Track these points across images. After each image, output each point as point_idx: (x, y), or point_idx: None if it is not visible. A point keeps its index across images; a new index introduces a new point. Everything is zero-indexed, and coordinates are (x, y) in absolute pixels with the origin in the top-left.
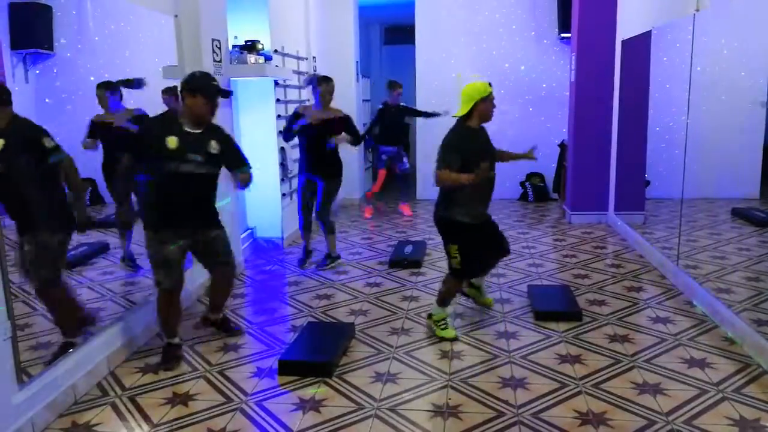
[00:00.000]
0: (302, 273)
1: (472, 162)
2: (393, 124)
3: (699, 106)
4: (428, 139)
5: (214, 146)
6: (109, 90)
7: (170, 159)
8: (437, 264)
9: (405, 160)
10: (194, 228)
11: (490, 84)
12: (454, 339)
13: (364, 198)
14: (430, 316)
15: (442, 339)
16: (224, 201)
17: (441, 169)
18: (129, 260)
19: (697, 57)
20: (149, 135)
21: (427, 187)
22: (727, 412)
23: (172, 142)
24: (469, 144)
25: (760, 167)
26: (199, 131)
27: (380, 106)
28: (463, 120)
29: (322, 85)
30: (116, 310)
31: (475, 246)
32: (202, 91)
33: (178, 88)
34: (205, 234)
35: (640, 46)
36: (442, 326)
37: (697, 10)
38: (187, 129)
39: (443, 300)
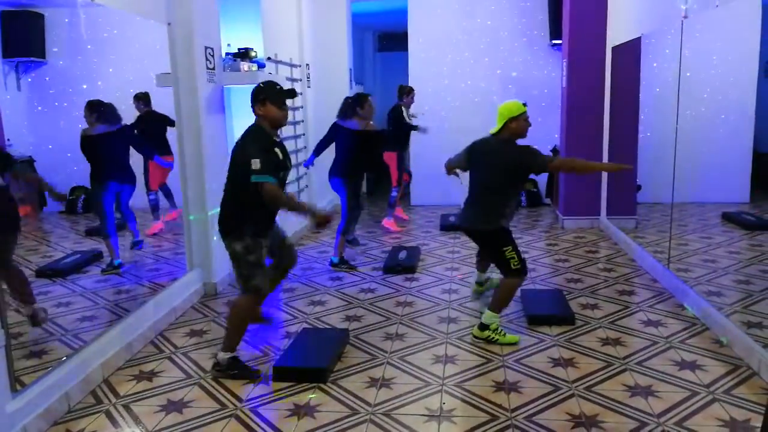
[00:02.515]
0: (296, 279)
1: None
2: (408, 128)
3: (689, 111)
4: (422, 146)
5: (287, 150)
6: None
7: (281, 168)
8: (431, 269)
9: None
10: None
11: (524, 104)
12: (518, 342)
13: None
14: (483, 328)
15: (510, 344)
16: (213, 210)
17: (552, 161)
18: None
19: (686, 62)
20: (270, 150)
21: (421, 193)
22: (718, 413)
23: (278, 153)
24: None
25: (750, 172)
26: (278, 139)
27: (393, 111)
28: (497, 135)
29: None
30: (110, 317)
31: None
32: (270, 98)
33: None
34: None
35: (629, 53)
36: (503, 333)
37: (685, 17)
38: (275, 138)
39: (501, 306)
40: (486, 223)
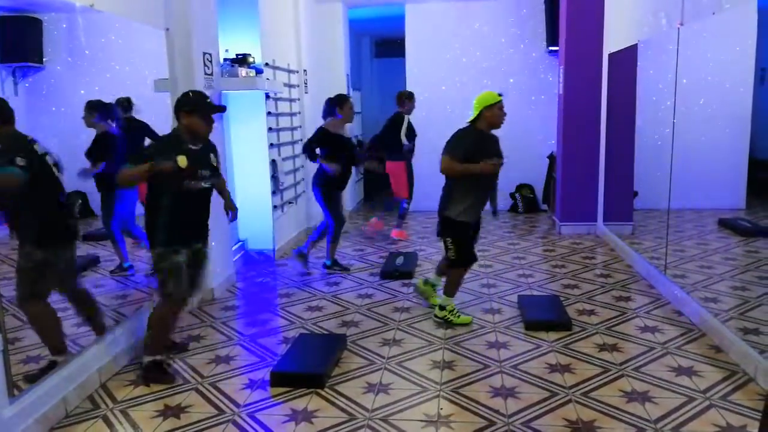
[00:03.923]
0: (293, 284)
1: (475, 161)
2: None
3: (685, 118)
4: (418, 152)
5: (214, 159)
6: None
7: (184, 177)
8: (428, 275)
9: None
10: (197, 241)
11: (500, 94)
12: (470, 323)
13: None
14: (441, 308)
15: (461, 325)
16: None
17: (448, 155)
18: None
19: (683, 69)
20: (159, 156)
21: (417, 198)
22: (714, 419)
23: (182, 161)
24: (473, 144)
25: (746, 178)
26: (199, 147)
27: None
28: (472, 123)
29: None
30: (107, 322)
31: (466, 240)
32: (197, 110)
33: (174, 108)
34: (201, 247)
35: (626, 59)
36: (457, 314)
37: (681, 24)
38: (191, 146)
39: (451, 290)
40: (442, 207)
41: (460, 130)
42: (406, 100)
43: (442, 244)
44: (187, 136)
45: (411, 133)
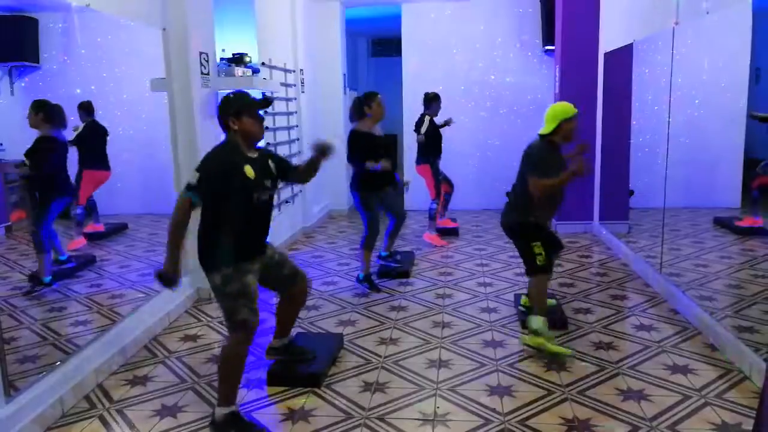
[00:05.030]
0: None
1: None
2: (438, 135)
3: (680, 117)
4: (414, 151)
5: (272, 167)
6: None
7: (252, 189)
8: (425, 274)
9: None
10: (263, 251)
11: (575, 106)
12: (571, 355)
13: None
14: (535, 332)
15: (558, 354)
16: None
17: (541, 179)
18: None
19: (678, 68)
20: (228, 169)
21: (414, 197)
22: (710, 417)
23: (249, 171)
24: (556, 160)
25: (741, 177)
26: (256, 155)
27: (425, 117)
28: (546, 137)
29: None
30: (103, 322)
31: (547, 243)
32: (244, 109)
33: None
34: (269, 252)
35: (622, 59)
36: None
37: (677, 23)
38: (249, 155)
39: (543, 307)
40: (515, 215)
41: (537, 147)
42: (430, 102)
43: (520, 257)
44: (243, 144)
45: (435, 134)
